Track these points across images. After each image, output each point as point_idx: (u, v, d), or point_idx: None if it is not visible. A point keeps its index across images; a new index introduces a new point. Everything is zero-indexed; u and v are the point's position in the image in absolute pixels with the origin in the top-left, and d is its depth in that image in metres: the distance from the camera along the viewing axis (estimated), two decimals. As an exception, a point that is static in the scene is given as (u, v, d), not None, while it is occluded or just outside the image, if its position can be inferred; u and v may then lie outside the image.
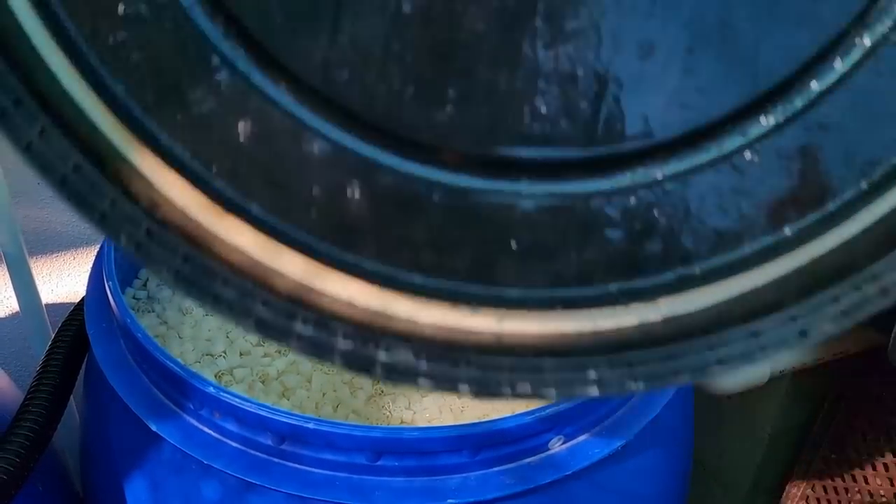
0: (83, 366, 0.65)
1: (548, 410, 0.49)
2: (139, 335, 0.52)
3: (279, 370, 0.67)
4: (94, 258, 0.89)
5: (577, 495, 0.53)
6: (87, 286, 0.62)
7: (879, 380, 0.96)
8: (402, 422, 0.64)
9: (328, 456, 0.48)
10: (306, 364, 0.68)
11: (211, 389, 0.48)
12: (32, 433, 0.55)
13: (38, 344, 0.80)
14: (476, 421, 0.49)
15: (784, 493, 1.12)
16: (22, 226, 0.81)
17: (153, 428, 0.51)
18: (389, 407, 0.65)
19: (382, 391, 0.67)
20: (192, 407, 0.51)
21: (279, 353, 0.69)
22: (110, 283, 0.55)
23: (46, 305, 0.88)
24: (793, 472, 1.17)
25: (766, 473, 1.18)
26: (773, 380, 0.99)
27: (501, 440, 0.49)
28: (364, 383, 0.67)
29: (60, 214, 0.83)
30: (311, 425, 0.47)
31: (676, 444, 0.62)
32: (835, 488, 1.02)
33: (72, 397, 0.65)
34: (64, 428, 0.67)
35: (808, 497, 1.12)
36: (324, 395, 0.66)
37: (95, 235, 0.87)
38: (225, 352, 0.68)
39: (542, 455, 0.51)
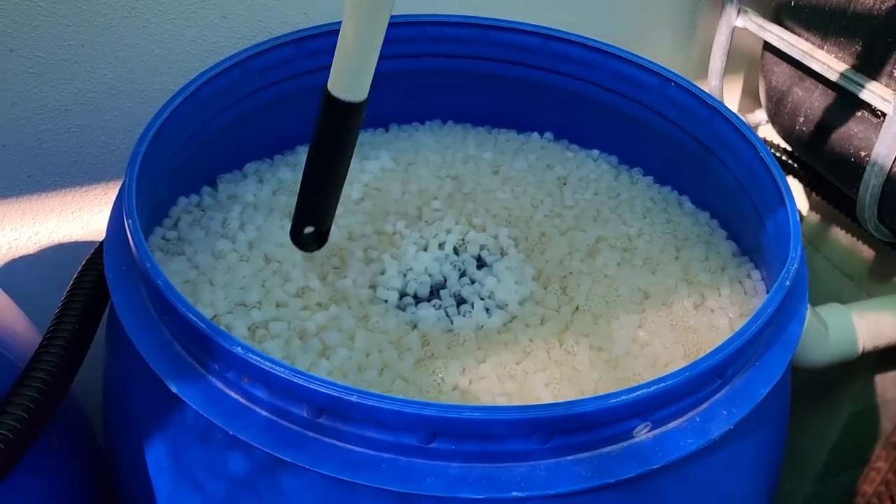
0: (106, 310, 0.59)
1: (636, 393, 0.41)
2: (160, 282, 0.45)
3: (319, 325, 0.60)
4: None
5: (664, 492, 0.45)
6: (108, 223, 0.55)
7: None
8: (455, 388, 0.57)
9: (373, 434, 0.41)
10: (349, 320, 0.61)
11: (238, 350, 0.41)
12: (45, 386, 0.49)
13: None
14: (550, 402, 0.40)
15: (863, 476, 1.03)
16: (51, 157, 0.75)
17: (173, 389, 0.44)
18: (441, 372, 0.57)
19: (433, 354, 0.60)
20: (217, 368, 0.44)
21: (319, 306, 0.62)
22: (130, 221, 0.48)
23: (76, 241, 0.83)
24: (873, 453, 1.08)
25: (842, 453, 1.09)
26: (864, 355, 0.90)
27: (578, 425, 0.41)
28: (413, 344, 0.60)
29: (90, 145, 0.76)
30: (354, 398, 0.39)
31: (775, 433, 0.54)
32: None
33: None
34: (89, 378, 0.61)
35: (888, 482, 1.02)
36: (368, 355, 0.58)
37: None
38: (260, 302, 0.61)
39: (625, 444, 0.43)
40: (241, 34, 0.76)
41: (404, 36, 0.74)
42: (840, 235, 1.01)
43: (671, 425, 0.44)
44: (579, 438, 0.42)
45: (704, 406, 0.45)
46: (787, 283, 0.48)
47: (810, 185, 0.97)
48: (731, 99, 1.08)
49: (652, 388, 0.41)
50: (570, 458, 0.42)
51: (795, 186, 1.03)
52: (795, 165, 0.98)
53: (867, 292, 1.00)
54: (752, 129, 0.63)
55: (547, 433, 0.41)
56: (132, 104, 0.75)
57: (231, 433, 0.43)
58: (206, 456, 0.46)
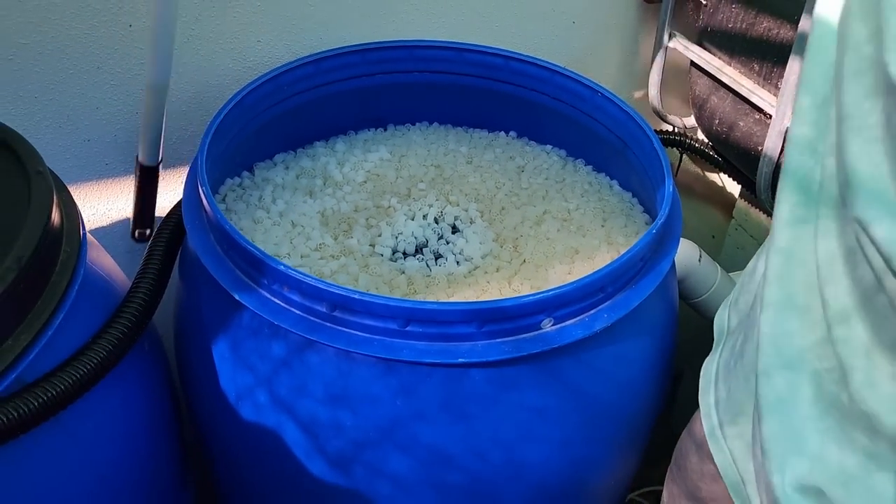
0: (178, 254, 0.81)
1: (540, 295, 0.62)
2: (227, 226, 0.67)
3: (332, 270, 0.82)
4: (176, 179, 1.05)
5: (563, 368, 0.67)
6: (184, 191, 0.77)
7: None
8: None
9: (368, 321, 0.63)
10: (354, 267, 0.83)
11: (282, 268, 0.63)
12: (144, 302, 0.71)
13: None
14: (483, 300, 0.62)
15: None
16: (123, 149, 0.97)
17: (236, 297, 0.66)
18: (421, 303, 0.79)
19: (416, 291, 0.81)
20: (265, 282, 0.66)
21: (332, 257, 0.84)
22: (203, 187, 0.70)
23: (140, 218, 1.05)
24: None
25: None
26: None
27: (503, 317, 0.63)
28: (401, 284, 0.82)
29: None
30: (356, 296, 0.61)
31: (658, 340, 0.75)
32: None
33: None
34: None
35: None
36: (367, 290, 0.80)
37: (181, 165, 1.02)
38: (289, 254, 0.83)
39: (536, 332, 0.65)
40: (271, 54, 0.99)
41: (398, 57, 0.96)
42: (762, 217, 1.23)
43: (568, 322, 0.66)
44: (504, 326, 0.63)
45: (593, 311, 0.67)
46: (654, 231, 0.70)
47: (732, 176, 1.19)
48: (670, 105, 1.29)
49: (551, 292, 0.63)
50: (498, 340, 0.64)
51: (723, 178, 1.24)
52: (720, 159, 1.19)
53: (782, 265, 1.21)
54: (653, 129, 0.84)
55: (481, 321, 0.62)
56: (187, 109, 0.98)
57: (276, 324, 0.64)
58: (257, 345, 0.68)
